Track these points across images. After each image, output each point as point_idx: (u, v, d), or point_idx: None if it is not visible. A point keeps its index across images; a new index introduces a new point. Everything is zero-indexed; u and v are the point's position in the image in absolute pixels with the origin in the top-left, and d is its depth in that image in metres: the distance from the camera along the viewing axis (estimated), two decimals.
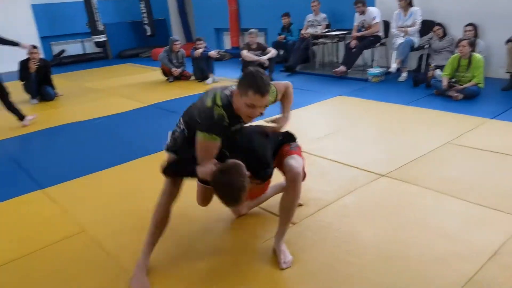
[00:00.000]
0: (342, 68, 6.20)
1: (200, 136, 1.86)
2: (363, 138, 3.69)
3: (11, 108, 4.79)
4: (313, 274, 1.94)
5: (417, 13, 5.72)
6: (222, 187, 1.80)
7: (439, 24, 5.53)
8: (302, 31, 7.14)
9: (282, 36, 7.59)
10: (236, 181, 1.77)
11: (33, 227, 2.54)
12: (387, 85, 5.62)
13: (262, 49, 6.65)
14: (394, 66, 5.70)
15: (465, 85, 4.61)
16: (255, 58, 6.50)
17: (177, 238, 2.30)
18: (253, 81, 1.82)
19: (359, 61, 6.54)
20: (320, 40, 6.88)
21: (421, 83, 5.34)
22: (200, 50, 6.53)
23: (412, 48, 5.74)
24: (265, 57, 6.49)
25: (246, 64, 6.63)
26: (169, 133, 2.17)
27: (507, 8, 5.16)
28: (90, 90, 6.74)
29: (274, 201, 2.37)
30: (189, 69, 6.96)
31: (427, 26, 5.72)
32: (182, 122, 2.08)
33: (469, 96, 4.62)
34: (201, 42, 6.66)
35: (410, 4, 5.75)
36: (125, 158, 3.56)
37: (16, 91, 6.44)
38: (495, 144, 3.25)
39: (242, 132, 2.06)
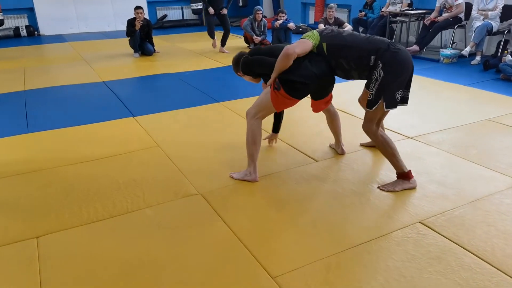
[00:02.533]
0: (414, 47, 6.30)
1: None
2: (407, 108, 3.98)
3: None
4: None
5: None
6: None
7: None
8: (383, 9, 7.26)
9: (363, 13, 7.76)
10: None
11: (124, 139, 3.40)
12: (457, 67, 5.65)
13: (338, 24, 6.96)
14: (467, 49, 5.70)
15: None
16: None
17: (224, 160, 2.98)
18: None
19: (437, 42, 6.54)
20: (398, 18, 6.97)
21: (492, 67, 5.30)
22: (280, 21, 7.05)
23: (490, 33, 5.65)
24: None
25: None
26: None
27: None
28: (182, 50, 7.69)
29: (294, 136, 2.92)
30: (269, 38, 7.54)
31: (509, 11, 5.57)
32: None
33: None
34: (283, 15, 7.15)
35: None
36: (199, 102, 4.34)
37: (123, 45, 7.65)
38: None
39: None
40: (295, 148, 3.12)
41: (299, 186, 2.57)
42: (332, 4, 6.92)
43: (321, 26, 6.90)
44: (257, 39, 7.40)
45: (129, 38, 7.10)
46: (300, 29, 9.26)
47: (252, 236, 2.08)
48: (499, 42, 5.84)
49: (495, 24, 5.64)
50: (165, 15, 11.53)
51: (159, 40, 8.55)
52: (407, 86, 2.38)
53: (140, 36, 7.04)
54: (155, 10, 11.38)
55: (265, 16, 8.08)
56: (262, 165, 2.81)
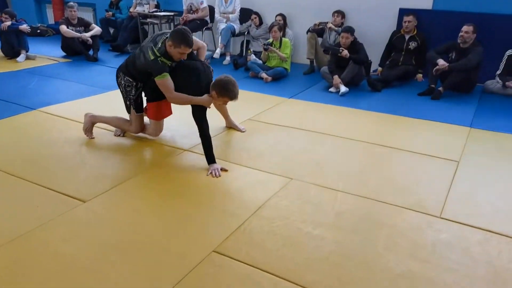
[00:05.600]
0: None
1: (160, 79, 2.74)
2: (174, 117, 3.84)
3: None
4: None
5: (237, 1, 6.14)
6: (233, 85, 2.81)
7: (256, 13, 6.04)
8: (131, 9, 6.93)
9: (110, 13, 7.24)
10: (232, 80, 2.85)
11: None
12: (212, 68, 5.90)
13: (84, 25, 6.23)
14: (217, 51, 6.03)
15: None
16: (76, 34, 6.07)
17: None
18: (185, 38, 2.69)
19: None
20: (149, 20, 6.79)
21: (241, 66, 5.78)
22: (8, 23, 5.73)
23: (233, 34, 6.15)
24: (88, 34, 6.11)
25: (66, 40, 6.13)
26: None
27: (309, 1, 5.94)
28: None
29: None
30: None
31: (246, 14, 6.20)
32: (126, 78, 3.01)
33: (277, 77, 5.23)
34: (7, 16, 5.81)
35: None
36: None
37: None
38: (283, 120, 3.79)
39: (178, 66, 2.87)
40: (52, 190, 2.47)
41: (65, 245, 2.00)
42: (72, 3, 6.11)
43: (64, 28, 6.02)
44: None
45: None
46: (38, 31, 7.92)
47: None
48: (242, 42, 6.45)
49: (237, 26, 6.17)
50: None
51: None
52: None
53: None
54: None
55: None
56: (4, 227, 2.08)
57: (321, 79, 5.13)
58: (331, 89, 4.81)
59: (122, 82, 3.02)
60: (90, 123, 3.20)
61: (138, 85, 3.02)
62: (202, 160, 2.87)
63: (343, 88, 4.68)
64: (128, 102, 3.09)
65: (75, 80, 4.94)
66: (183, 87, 2.82)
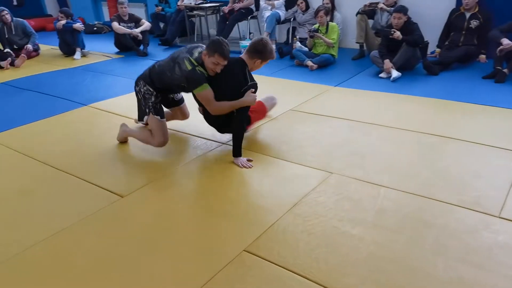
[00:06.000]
0: None
1: (199, 91, 2.63)
2: None
3: None
4: None
5: None
6: (267, 45, 2.71)
7: None
8: (179, 3, 7.01)
9: (160, 8, 7.37)
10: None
11: None
12: None
13: (135, 21, 6.40)
14: None
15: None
16: (127, 30, 6.25)
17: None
18: (220, 47, 2.54)
19: (236, 33, 6.66)
20: (195, 12, 6.83)
21: (286, 54, 5.62)
22: (63, 22, 6.03)
23: (279, 21, 5.99)
24: (138, 30, 6.27)
25: (118, 36, 6.35)
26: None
27: None
28: None
29: None
30: (55, 42, 6.46)
31: (291, 0, 6.00)
32: (146, 87, 2.80)
33: (324, 65, 5.02)
34: (62, 15, 6.11)
35: None
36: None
37: None
38: (327, 109, 3.61)
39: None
40: (94, 184, 2.54)
41: (100, 241, 2.04)
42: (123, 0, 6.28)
43: (115, 24, 6.22)
44: None
45: None
46: (95, 28, 8.31)
47: None
48: (288, 30, 6.27)
49: (282, 13, 6.00)
50: None
51: None
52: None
53: None
54: None
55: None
56: (34, 226, 2.16)
57: (371, 64, 4.84)
58: (382, 75, 4.52)
59: (142, 90, 2.82)
60: (123, 136, 3.11)
61: (158, 95, 2.83)
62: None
63: (394, 73, 4.37)
64: (147, 110, 2.83)
65: (125, 76, 5.09)
66: (225, 93, 2.69)
